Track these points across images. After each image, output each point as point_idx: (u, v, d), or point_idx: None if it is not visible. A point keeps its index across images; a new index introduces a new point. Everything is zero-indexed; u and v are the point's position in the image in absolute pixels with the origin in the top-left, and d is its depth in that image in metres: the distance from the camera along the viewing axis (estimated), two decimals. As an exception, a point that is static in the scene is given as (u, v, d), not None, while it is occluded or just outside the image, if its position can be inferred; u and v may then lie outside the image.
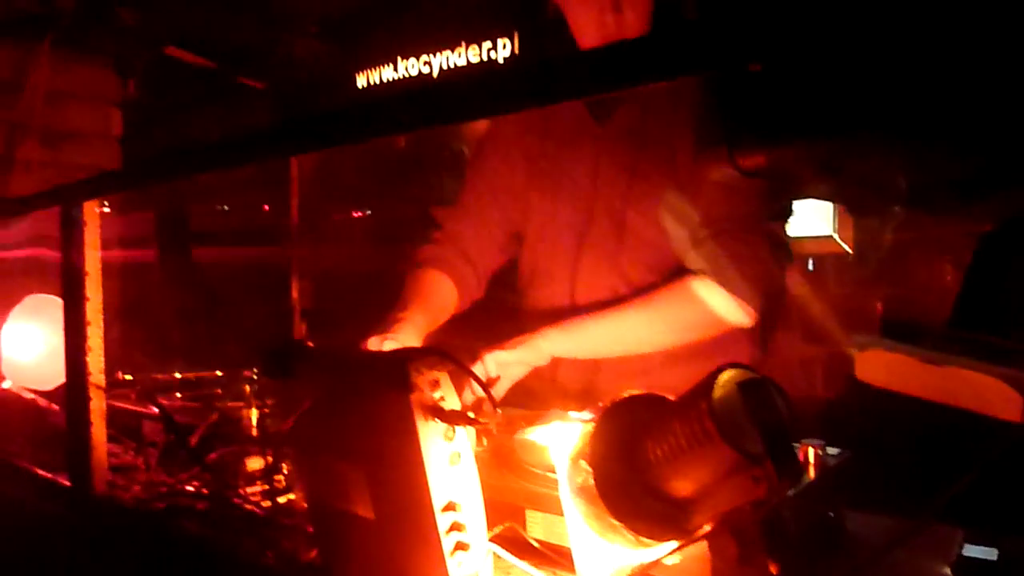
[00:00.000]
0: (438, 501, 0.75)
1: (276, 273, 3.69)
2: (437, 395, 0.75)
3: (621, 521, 0.67)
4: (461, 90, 0.73)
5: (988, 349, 1.29)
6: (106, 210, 1.15)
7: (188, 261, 3.75)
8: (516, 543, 0.93)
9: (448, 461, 0.76)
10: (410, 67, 3.19)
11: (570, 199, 1.42)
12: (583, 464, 0.70)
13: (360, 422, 0.80)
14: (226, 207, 4.49)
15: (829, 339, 2.16)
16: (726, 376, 0.59)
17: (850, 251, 2.22)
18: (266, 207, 4.21)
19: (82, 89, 2.74)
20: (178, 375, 1.93)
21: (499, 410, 0.72)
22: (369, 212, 4.12)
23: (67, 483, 1.28)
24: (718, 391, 0.59)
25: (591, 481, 0.69)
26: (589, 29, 1.34)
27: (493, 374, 1.19)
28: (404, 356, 0.73)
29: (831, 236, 2.23)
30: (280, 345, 0.84)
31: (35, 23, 2.47)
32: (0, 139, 2.52)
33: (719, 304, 1.26)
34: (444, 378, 0.76)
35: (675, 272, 1.32)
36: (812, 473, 1.06)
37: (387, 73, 3.30)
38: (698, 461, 0.60)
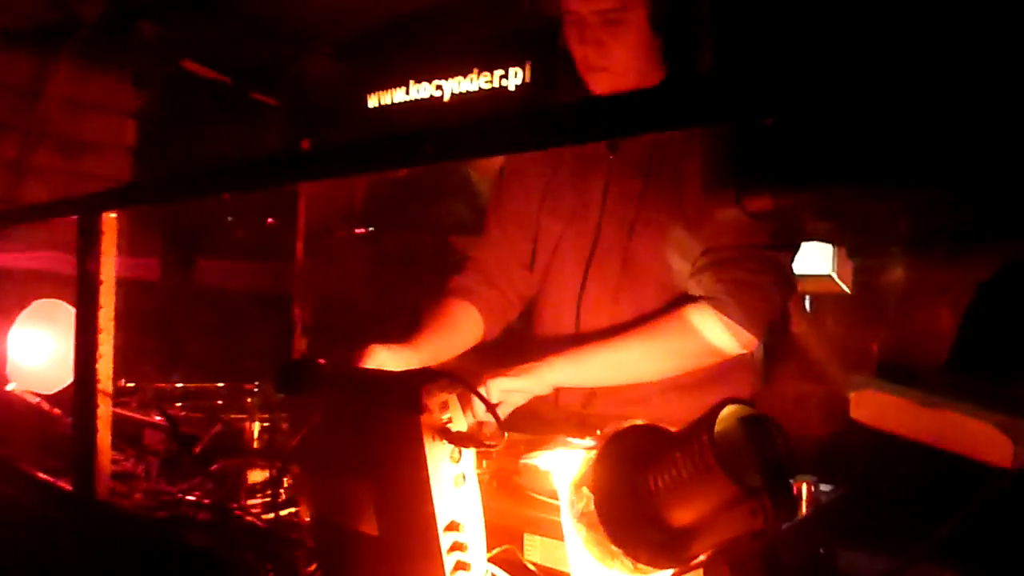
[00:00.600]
0: (442, 520, 0.77)
1: (279, 288, 3.71)
2: (445, 417, 0.77)
3: (620, 548, 0.69)
4: (482, 128, 0.76)
5: (982, 394, 1.32)
6: (111, 216, 1.18)
7: (191, 273, 3.78)
8: (513, 566, 0.94)
9: (453, 482, 0.78)
10: (422, 91, 3.24)
11: (578, 225, 1.45)
12: (585, 491, 0.72)
13: (369, 440, 0.82)
14: (230, 218, 4.53)
15: (825, 377, 2.18)
16: (728, 411, 0.61)
17: (848, 291, 2.25)
18: (270, 220, 4.25)
19: (98, 99, 2.79)
20: (179, 385, 1.95)
21: (505, 434, 0.74)
22: (372, 229, 4.14)
23: (69, 488, 1.29)
24: (720, 425, 0.61)
25: (592, 507, 0.71)
26: (577, 61, 1.38)
27: (495, 400, 1.21)
28: (417, 378, 0.75)
29: (830, 275, 2.26)
30: (292, 361, 0.86)
31: (54, 33, 2.52)
32: (15, 145, 2.55)
33: (719, 333, 1.27)
34: (453, 400, 0.78)
35: (678, 300, 1.33)
36: (804, 509, 1.09)
37: (399, 95, 3.35)
38: (698, 492, 0.62)
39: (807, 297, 2.34)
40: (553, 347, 1.35)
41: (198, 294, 3.71)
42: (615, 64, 1.34)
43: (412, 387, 0.74)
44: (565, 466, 0.76)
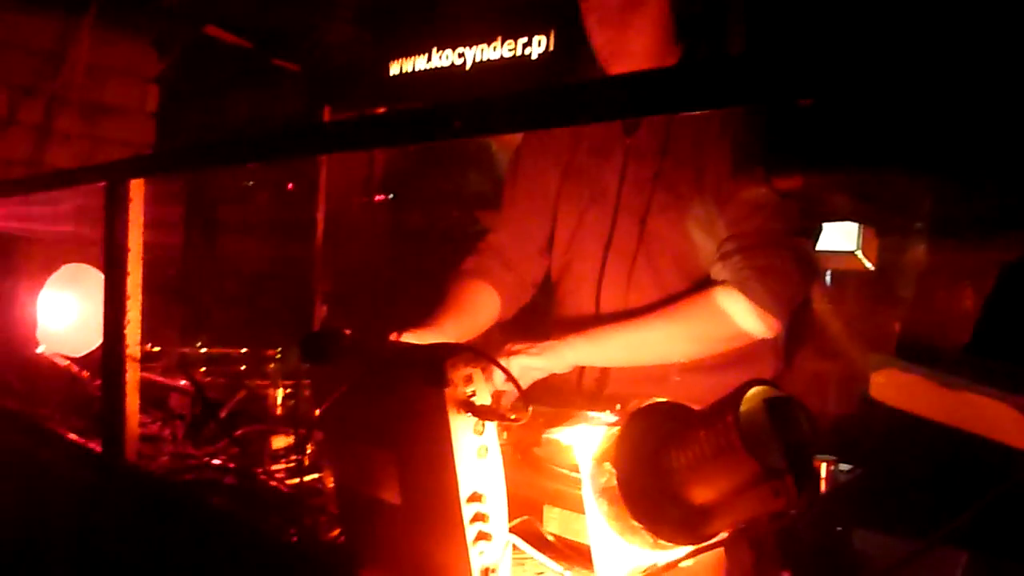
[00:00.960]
0: (464, 491, 0.78)
1: (299, 254, 3.73)
2: (469, 390, 0.78)
3: (641, 523, 0.70)
4: (506, 104, 0.76)
5: (1004, 376, 1.31)
6: (139, 183, 1.19)
7: (212, 238, 3.81)
8: (533, 536, 0.96)
9: (476, 454, 0.79)
10: (444, 58, 3.21)
11: (597, 207, 1.45)
12: (607, 466, 0.73)
13: (394, 412, 0.83)
14: (251, 183, 4.55)
15: (846, 355, 2.17)
16: (753, 391, 0.62)
17: (872, 268, 2.23)
18: (290, 185, 4.26)
19: (121, 64, 2.79)
20: (204, 349, 1.98)
21: (530, 408, 0.75)
22: (392, 196, 4.14)
23: (98, 450, 1.32)
24: (745, 405, 0.62)
25: (614, 482, 0.72)
26: (596, 48, 1.39)
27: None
28: (442, 352, 0.76)
29: (854, 252, 2.23)
30: (318, 331, 0.87)
31: (80, -2, 2.53)
32: (40, 110, 2.57)
33: (743, 316, 1.27)
34: (477, 374, 0.79)
35: (699, 282, 1.33)
36: (823, 488, 1.09)
37: (420, 63, 3.32)
38: (721, 470, 0.63)
39: (828, 273, 2.33)
40: (574, 325, 1.36)
41: (219, 259, 3.75)
42: (635, 49, 1.34)
43: (437, 361, 0.74)
44: (587, 441, 0.77)
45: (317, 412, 0.89)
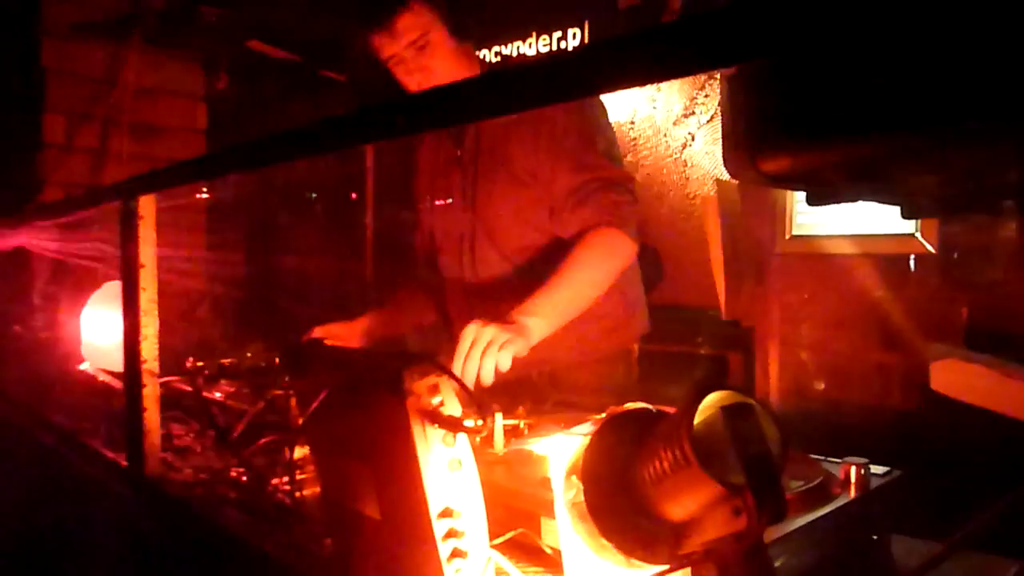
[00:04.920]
0: (435, 506, 0.74)
1: (355, 263, 3.78)
2: (436, 400, 0.74)
3: (609, 540, 0.64)
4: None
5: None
6: (149, 199, 1.21)
7: (271, 250, 3.89)
8: (529, 549, 0.92)
9: (447, 467, 0.76)
10: (482, 58, 3.19)
11: (456, 199, 1.74)
12: (574, 480, 0.68)
13: (363, 424, 0.80)
14: (314, 195, 4.64)
15: (906, 346, 2.03)
16: (711, 399, 0.56)
17: (934, 251, 2.07)
18: (354, 195, 4.32)
19: (169, 85, 2.88)
20: (249, 356, 2.01)
21: (495, 417, 0.71)
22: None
23: (123, 463, 1.35)
24: (703, 414, 0.56)
25: (581, 497, 0.67)
26: (409, 88, 1.67)
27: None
28: (399, 362, 0.72)
29: (914, 235, 2.09)
30: (297, 342, 0.85)
31: (125, 23, 2.61)
32: (94, 133, 2.68)
33: (624, 245, 1.54)
34: (444, 383, 0.75)
35: (581, 232, 1.53)
36: (852, 493, 1.01)
37: (460, 65, 3.30)
38: (681, 487, 0.57)
39: (884, 258, 2.18)
40: (456, 291, 1.72)
41: (279, 271, 3.83)
42: (441, 77, 1.59)
43: (394, 371, 0.71)
44: (559, 452, 0.72)
45: (297, 424, 0.87)
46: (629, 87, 0.99)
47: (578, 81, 0.62)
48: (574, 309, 1.45)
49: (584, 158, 1.55)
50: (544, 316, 1.36)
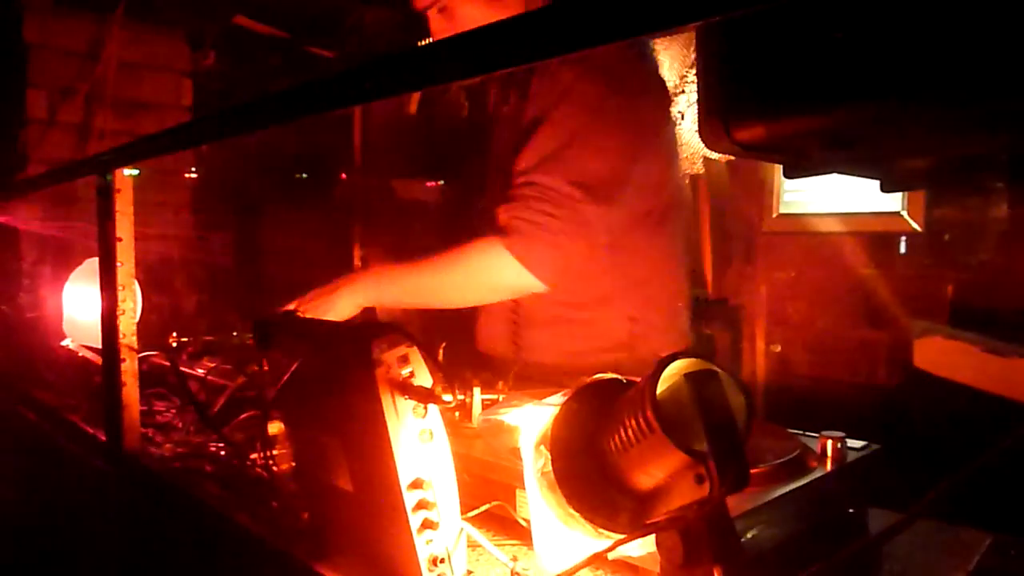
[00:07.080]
0: (405, 478, 0.74)
1: (342, 241, 3.76)
2: (406, 371, 0.74)
3: (577, 510, 0.64)
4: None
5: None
6: (125, 173, 1.20)
7: (258, 228, 3.86)
8: (505, 522, 0.92)
9: (418, 438, 0.75)
10: None
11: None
12: (543, 449, 0.67)
13: (332, 396, 0.80)
14: (305, 175, 4.61)
15: (890, 323, 2.04)
16: (675, 366, 0.55)
17: (920, 229, 2.07)
18: (343, 175, 4.29)
19: (155, 60, 2.84)
20: (234, 334, 2.00)
21: (463, 393, 0.70)
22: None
23: (103, 438, 1.35)
24: (667, 382, 0.55)
25: (550, 467, 0.66)
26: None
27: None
28: (367, 332, 0.71)
29: (899, 213, 2.08)
30: (266, 315, 0.84)
31: (108, -4, 2.57)
32: (77, 109, 2.64)
33: (502, 270, 1.29)
34: (414, 353, 0.74)
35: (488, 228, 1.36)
36: (828, 466, 1.01)
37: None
38: (645, 455, 0.57)
39: (870, 237, 2.18)
40: None
41: (265, 249, 3.81)
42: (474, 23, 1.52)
43: (362, 341, 0.70)
44: (528, 422, 0.71)
45: (268, 398, 0.86)
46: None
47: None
48: (417, 301, 1.43)
49: (543, 154, 1.32)
50: (379, 282, 1.39)
